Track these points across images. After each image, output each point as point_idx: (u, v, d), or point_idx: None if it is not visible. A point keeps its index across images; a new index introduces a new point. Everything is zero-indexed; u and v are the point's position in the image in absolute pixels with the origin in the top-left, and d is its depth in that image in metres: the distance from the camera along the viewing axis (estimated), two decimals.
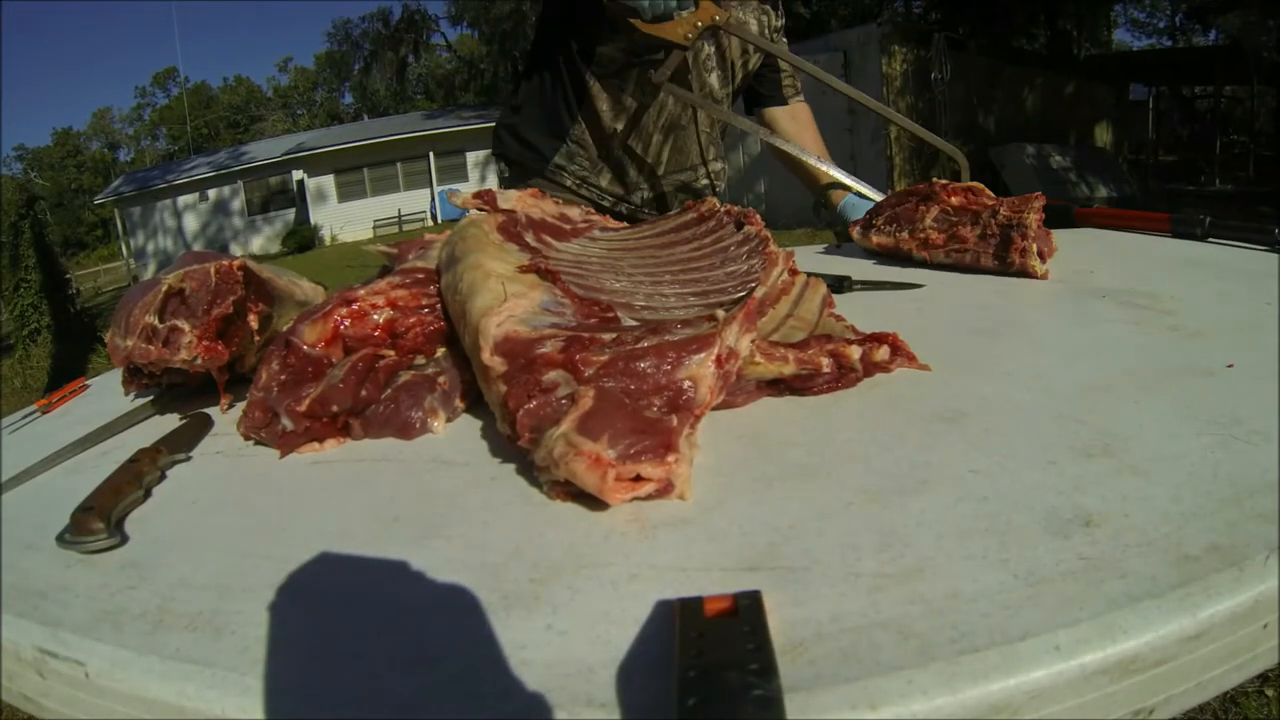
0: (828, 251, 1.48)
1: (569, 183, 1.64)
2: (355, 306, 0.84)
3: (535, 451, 0.60)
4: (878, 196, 1.51)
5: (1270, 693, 1.73)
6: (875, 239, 1.27)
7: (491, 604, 0.48)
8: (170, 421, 0.88)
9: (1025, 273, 1.07)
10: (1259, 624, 0.44)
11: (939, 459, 0.59)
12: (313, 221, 21.36)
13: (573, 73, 1.57)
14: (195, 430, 0.83)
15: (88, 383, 1.20)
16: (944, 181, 1.24)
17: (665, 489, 0.56)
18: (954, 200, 1.18)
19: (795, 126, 1.72)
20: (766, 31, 1.63)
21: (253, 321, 0.90)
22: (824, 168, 1.62)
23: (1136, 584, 0.43)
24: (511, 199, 1.03)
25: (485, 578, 0.50)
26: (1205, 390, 0.67)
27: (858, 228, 1.32)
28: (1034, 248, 1.05)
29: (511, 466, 0.66)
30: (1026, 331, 0.86)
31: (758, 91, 1.72)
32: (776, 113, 1.73)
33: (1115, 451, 0.57)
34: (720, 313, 0.69)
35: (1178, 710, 0.44)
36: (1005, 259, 1.07)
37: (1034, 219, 1.06)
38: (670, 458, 0.56)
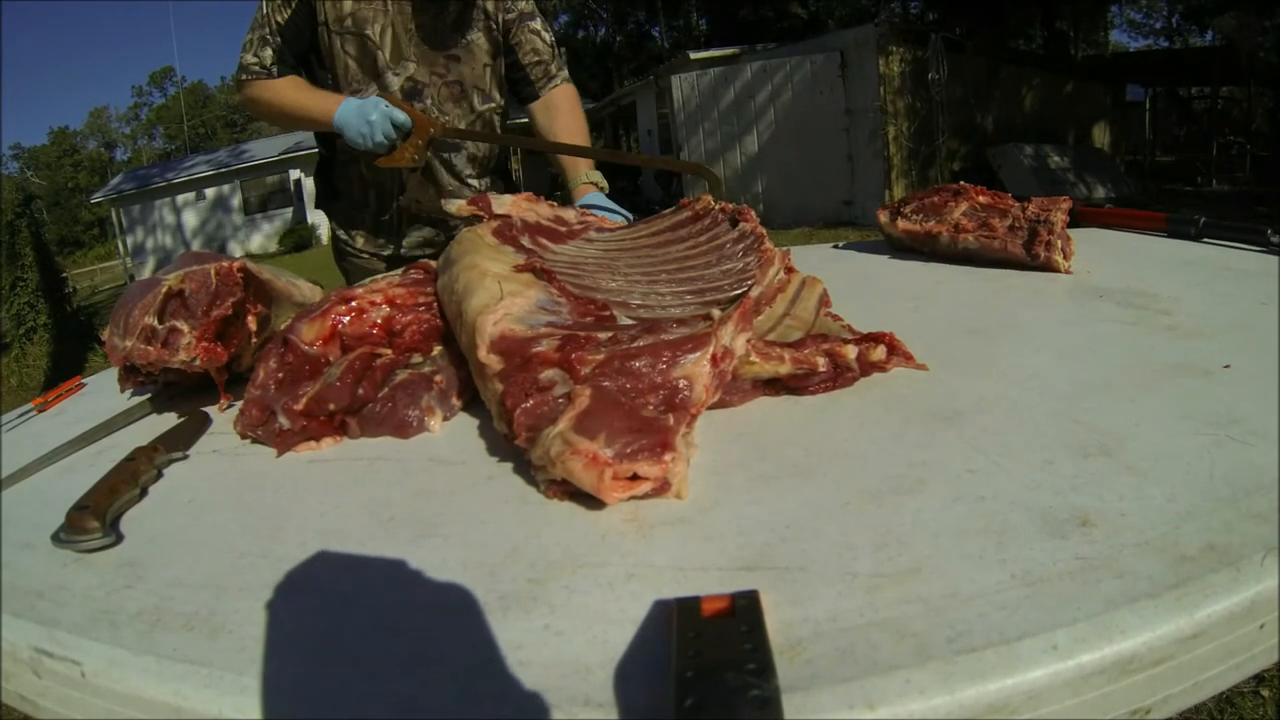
0: (845, 246, 1.48)
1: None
2: (353, 304, 0.84)
3: (532, 450, 0.60)
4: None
5: (1266, 693, 1.73)
6: (902, 225, 1.32)
7: (489, 604, 0.48)
8: (167, 420, 0.88)
9: (1049, 266, 1.11)
10: (1255, 624, 0.44)
11: (936, 458, 0.59)
12: (310, 221, 21.31)
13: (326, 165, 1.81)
14: (192, 429, 0.83)
15: (84, 381, 1.19)
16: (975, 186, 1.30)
17: (662, 487, 0.56)
18: (981, 199, 1.25)
19: (548, 119, 1.77)
20: (499, 20, 1.71)
21: (251, 323, 0.90)
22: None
23: (1133, 584, 0.43)
24: (506, 204, 1.03)
25: (482, 577, 0.50)
26: (1202, 390, 0.67)
27: (884, 214, 1.37)
28: (1059, 243, 1.11)
29: (508, 465, 0.66)
30: (1023, 331, 0.86)
31: (516, 93, 1.81)
32: (533, 108, 1.80)
33: (1112, 451, 0.58)
34: (715, 312, 0.69)
35: (1175, 710, 0.44)
36: (1032, 251, 1.12)
37: (1060, 218, 1.12)
38: (667, 456, 0.56)
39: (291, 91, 1.59)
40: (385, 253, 1.81)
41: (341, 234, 1.83)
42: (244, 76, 1.60)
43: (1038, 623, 0.41)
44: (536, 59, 1.75)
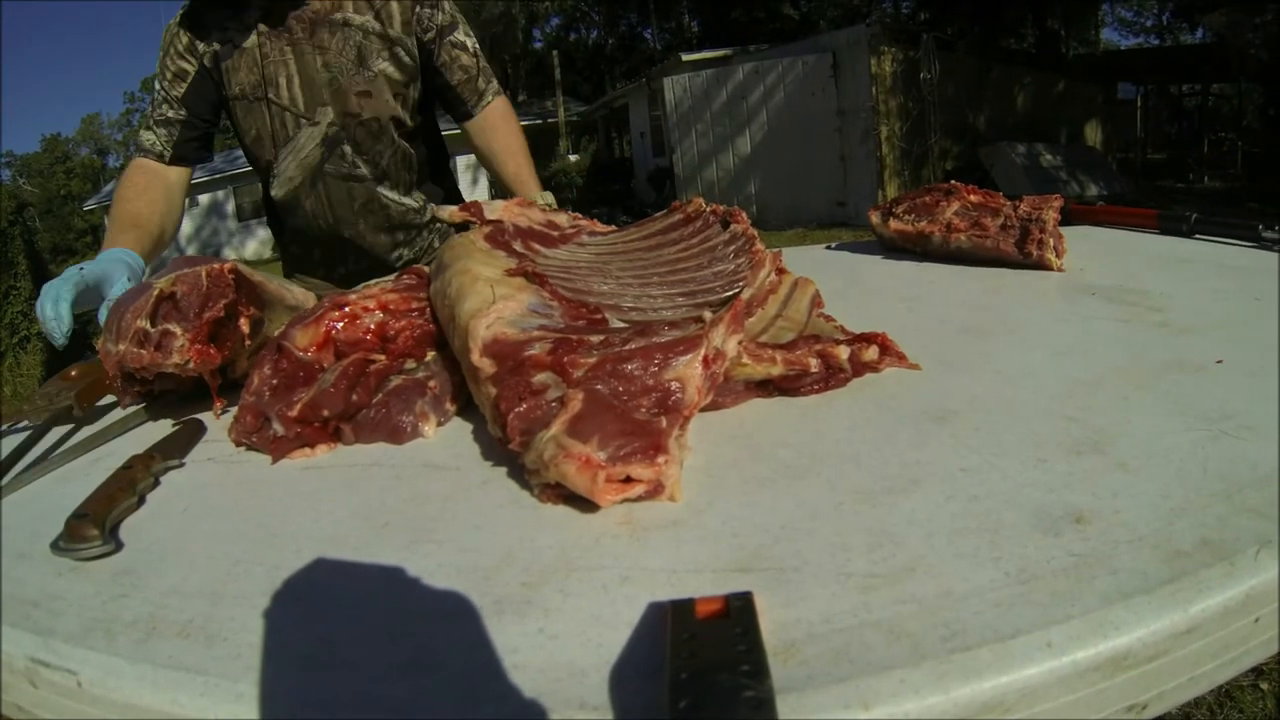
0: (838, 246, 1.48)
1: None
2: (347, 310, 0.84)
3: (526, 454, 0.60)
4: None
5: (1265, 686, 1.74)
6: (894, 225, 1.32)
7: (483, 608, 0.48)
8: (162, 428, 0.88)
9: (1042, 264, 1.11)
10: (1250, 618, 0.44)
11: (929, 458, 0.59)
12: None
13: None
14: (188, 436, 0.83)
15: None
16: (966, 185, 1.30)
17: (655, 490, 0.56)
18: (973, 198, 1.25)
19: (486, 138, 1.75)
20: (413, 42, 1.64)
21: (244, 325, 0.89)
22: (515, 174, 1.73)
23: (1128, 580, 0.43)
24: (498, 209, 1.03)
25: (477, 582, 0.50)
26: (1194, 386, 0.67)
27: (876, 215, 1.37)
28: (1050, 241, 1.11)
29: (502, 470, 0.66)
30: (1016, 329, 0.87)
31: (450, 112, 1.77)
32: (469, 127, 1.76)
33: (1105, 448, 0.58)
34: (707, 314, 0.69)
35: (1170, 706, 0.44)
36: (1024, 249, 1.13)
37: (1052, 216, 1.13)
38: (660, 459, 0.56)
39: (120, 204, 1.47)
40: (337, 274, 1.78)
41: (296, 250, 1.80)
42: (132, 153, 1.56)
43: (1032, 620, 0.41)
44: (465, 76, 1.69)
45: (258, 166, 1.66)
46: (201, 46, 1.53)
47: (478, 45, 1.72)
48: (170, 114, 1.54)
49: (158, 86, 1.55)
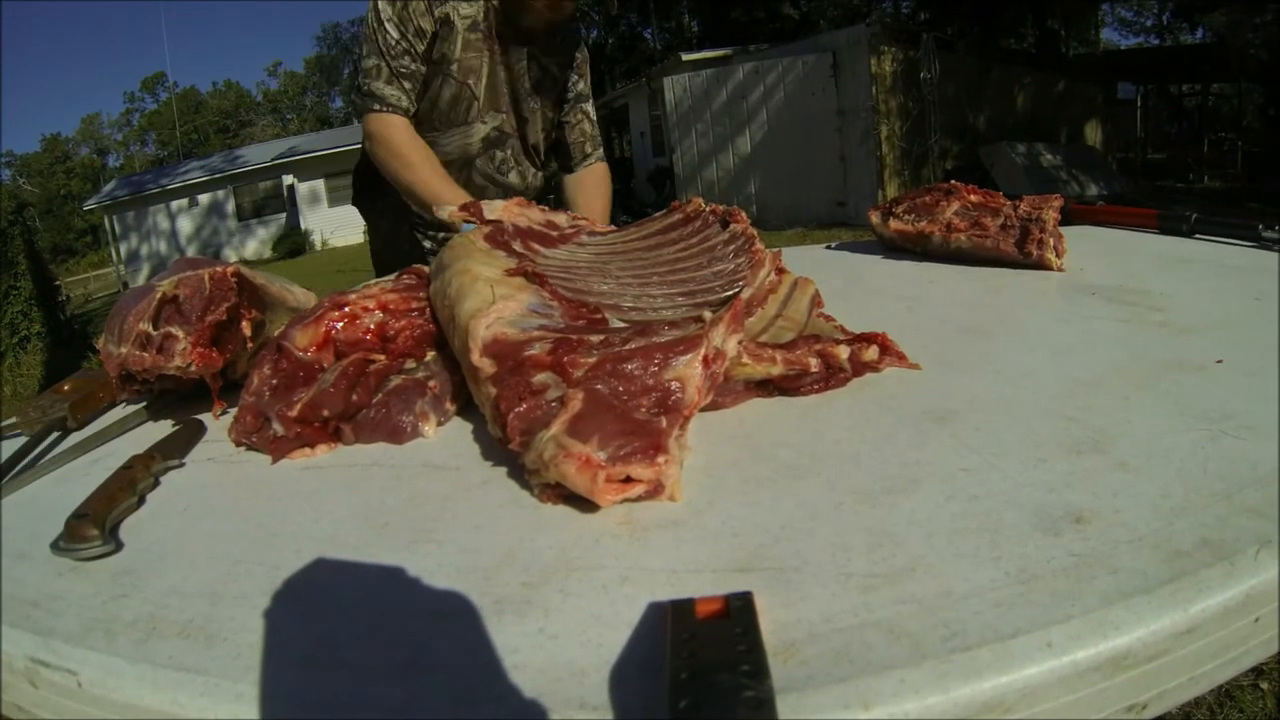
0: (838, 246, 1.49)
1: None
2: (346, 310, 0.84)
3: (526, 454, 0.60)
4: None
5: (1265, 686, 1.73)
6: (895, 225, 1.32)
7: (483, 608, 0.48)
8: (162, 428, 0.88)
9: (1042, 264, 1.11)
10: (1250, 618, 0.44)
11: (929, 458, 0.59)
12: (304, 226, 21.23)
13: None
14: (188, 436, 0.83)
15: None
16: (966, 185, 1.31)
17: (655, 490, 0.56)
18: (973, 198, 1.25)
19: (573, 190, 1.92)
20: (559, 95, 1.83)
21: (246, 328, 0.89)
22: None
23: (1128, 580, 0.43)
24: (498, 209, 1.03)
25: (477, 582, 0.50)
26: (1194, 386, 0.67)
27: (876, 214, 1.37)
28: (1050, 241, 1.11)
29: (502, 470, 0.66)
30: (1016, 329, 0.87)
31: (559, 159, 1.96)
32: (566, 179, 1.94)
33: (1105, 448, 0.58)
34: (707, 314, 0.69)
35: (1170, 705, 0.44)
36: (1024, 249, 1.13)
37: (1052, 216, 1.13)
38: (660, 459, 0.56)
39: (416, 156, 1.57)
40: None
41: (414, 215, 1.82)
42: (376, 107, 1.59)
43: (1032, 620, 0.41)
44: (581, 138, 1.89)
45: (414, 119, 1.69)
46: (437, 10, 1.59)
47: (595, 117, 1.94)
48: (412, 66, 1.59)
49: (394, 34, 1.57)
